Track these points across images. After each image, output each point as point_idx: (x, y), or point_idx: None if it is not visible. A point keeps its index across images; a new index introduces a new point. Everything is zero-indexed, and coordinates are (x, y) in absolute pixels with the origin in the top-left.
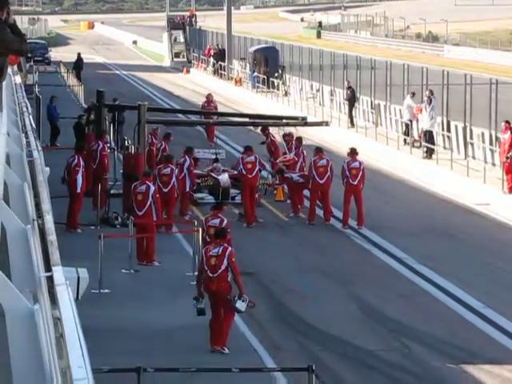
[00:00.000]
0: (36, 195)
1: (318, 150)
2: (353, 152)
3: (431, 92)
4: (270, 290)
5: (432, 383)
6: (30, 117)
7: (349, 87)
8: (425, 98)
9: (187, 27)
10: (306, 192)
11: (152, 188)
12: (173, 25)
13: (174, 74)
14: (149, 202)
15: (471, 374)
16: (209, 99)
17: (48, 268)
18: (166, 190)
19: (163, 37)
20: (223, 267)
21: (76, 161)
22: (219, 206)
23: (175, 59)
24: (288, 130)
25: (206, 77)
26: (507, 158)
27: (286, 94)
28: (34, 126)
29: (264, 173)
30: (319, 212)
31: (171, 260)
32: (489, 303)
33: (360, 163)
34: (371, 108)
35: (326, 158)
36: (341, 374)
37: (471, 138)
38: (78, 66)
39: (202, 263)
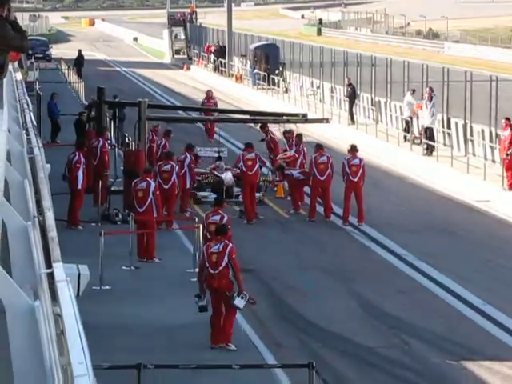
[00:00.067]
0: (37, 192)
1: (319, 147)
2: (353, 149)
3: (431, 89)
4: (270, 286)
5: (432, 380)
6: (31, 114)
7: (349, 84)
8: (425, 95)
9: (188, 24)
10: (307, 189)
11: (152, 185)
12: (173, 22)
13: (175, 71)
14: (149, 199)
15: (471, 370)
16: (208, 95)
17: (49, 264)
18: (166, 187)
19: (164, 34)
20: (224, 264)
21: (77, 157)
22: (219, 202)
23: (176, 56)
24: (288, 126)
25: (206, 74)
26: (507, 154)
27: (287, 90)
28: (34, 122)
29: (264, 169)
30: (319, 209)
31: (171, 257)
32: (489, 300)
33: (360, 160)
34: (371, 105)
35: (326, 155)
36: (341, 371)
37: (471, 134)
38: (78, 62)
39: (203, 260)
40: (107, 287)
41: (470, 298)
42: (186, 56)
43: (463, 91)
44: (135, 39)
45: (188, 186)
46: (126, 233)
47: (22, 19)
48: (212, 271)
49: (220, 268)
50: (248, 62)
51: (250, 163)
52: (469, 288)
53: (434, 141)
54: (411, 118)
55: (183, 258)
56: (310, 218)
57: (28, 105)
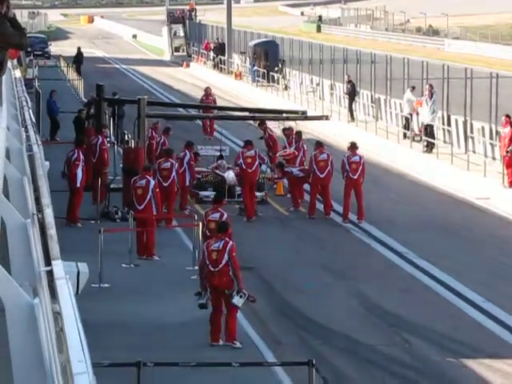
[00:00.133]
0: (36, 189)
1: (319, 145)
2: (353, 146)
3: (431, 86)
4: (270, 284)
5: (432, 378)
6: (30, 111)
7: (349, 81)
8: (426, 92)
9: (187, 21)
10: (306, 186)
11: (152, 182)
12: (172, 19)
13: (174, 68)
14: (149, 197)
15: (471, 368)
16: (207, 93)
17: (48, 262)
18: (165, 185)
19: (163, 31)
20: (224, 262)
21: (76, 155)
22: (219, 199)
23: (175, 53)
24: (288, 124)
25: (205, 71)
26: (507, 152)
27: (286, 88)
28: (33, 120)
29: (263, 167)
30: (319, 206)
31: (171, 254)
32: (489, 297)
33: (360, 157)
34: (371, 102)
35: (326, 153)
36: (341, 369)
37: (471, 132)
38: (77, 60)
39: (204, 258)
40: (106, 285)
41: (471, 296)
42: (185, 53)
43: (463, 88)
44: (134, 36)
45: (187, 184)
46: (126, 230)
47: (21, 16)
48: (212, 269)
49: (220, 266)
50: (247, 59)
51: (249, 161)
52: (469, 285)
53: (433, 138)
54: (411, 115)
55: (183, 255)
56: (309, 215)
57: (27, 102)
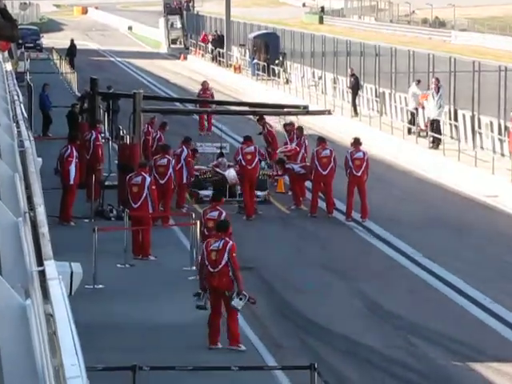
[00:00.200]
0: (28, 187)
1: (321, 140)
2: (356, 142)
3: (438, 80)
4: (270, 284)
5: (437, 382)
6: (22, 105)
7: (352, 75)
8: (432, 86)
9: (184, 12)
10: (308, 183)
11: (148, 179)
12: (169, 10)
13: (171, 61)
14: (144, 194)
15: (478, 371)
16: (204, 86)
17: (40, 262)
18: (162, 182)
19: (159, 22)
20: (224, 262)
21: (69, 151)
22: (218, 197)
23: (172, 45)
24: (289, 119)
25: (204, 64)
26: None
27: (287, 81)
28: (25, 115)
29: (263, 163)
30: (321, 204)
31: (168, 254)
32: (497, 298)
33: (364, 153)
34: (375, 96)
35: (329, 149)
36: (343, 372)
37: (479, 127)
38: (71, 52)
39: (203, 258)
40: (101, 286)
41: (477, 296)
42: (182, 46)
43: (471, 82)
44: (130, 28)
45: (185, 181)
46: (121, 229)
47: (12, 7)
48: (211, 269)
49: (220, 266)
50: (247, 51)
51: (249, 157)
52: (476, 286)
53: (440, 133)
54: (416, 109)
55: (180, 255)
56: (311, 213)
57: (18, 96)
